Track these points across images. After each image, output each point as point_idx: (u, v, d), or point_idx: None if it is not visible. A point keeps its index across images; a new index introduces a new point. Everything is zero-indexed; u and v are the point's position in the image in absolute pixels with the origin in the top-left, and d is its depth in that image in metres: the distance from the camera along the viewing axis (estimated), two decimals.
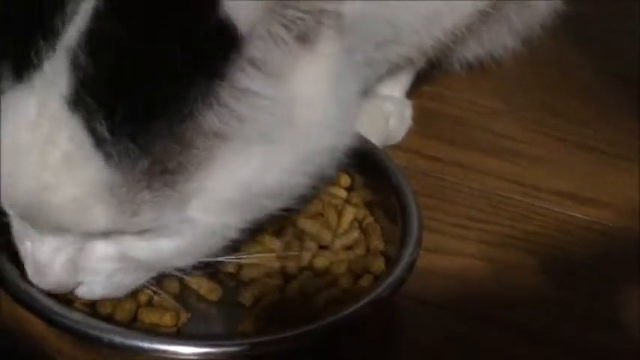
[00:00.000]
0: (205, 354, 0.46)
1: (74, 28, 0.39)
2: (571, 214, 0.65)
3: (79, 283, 0.46)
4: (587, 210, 0.66)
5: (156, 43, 0.39)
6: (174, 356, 0.46)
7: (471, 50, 0.77)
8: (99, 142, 0.39)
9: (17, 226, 0.46)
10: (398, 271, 0.50)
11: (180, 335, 0.49)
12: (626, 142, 0.74)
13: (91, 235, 0.44)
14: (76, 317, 0.46)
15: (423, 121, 0.71)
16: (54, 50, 0.39)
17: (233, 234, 0.46)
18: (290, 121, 0.43)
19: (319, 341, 0.48)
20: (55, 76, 0.39)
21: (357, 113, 0.49)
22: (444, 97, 0.75)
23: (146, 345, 0.45)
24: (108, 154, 0.39)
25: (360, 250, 0.55)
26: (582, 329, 0.56)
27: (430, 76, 0.76)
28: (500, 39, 0.77)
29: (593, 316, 0.57)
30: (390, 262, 0.52)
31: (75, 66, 0.39)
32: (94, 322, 0.46)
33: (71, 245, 0.44)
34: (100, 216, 0.41)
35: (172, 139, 0.40)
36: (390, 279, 0.50)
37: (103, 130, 0.39)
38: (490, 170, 0.68)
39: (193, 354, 0.45)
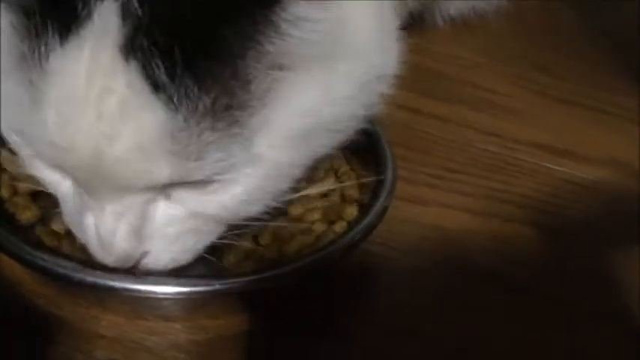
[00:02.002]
0: (177, 293, 0.46)
1: None
2: (549, 166, 0.65)
3: (145, 253, 0.45)
4: (565, 162, 0.66)
5: None
6: (148, 295, 0.46)
7: (455, 5, 0.77)
8: (157, 87, 0.38)
9: (74, 202, 0.44)
10: (370, 217, 0.51)
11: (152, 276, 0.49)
12: (606, 97, 0.74)
13: (152, 197, 0.43)
14: (46, 256, 0.46)
15: (403, 73, 0.71)
16: (102, 0, 0.38)
17: (298, 172, 0.46)
18: (343, 45, 0.43)
19: (290, 283, 0.49)
20: (106, 25, 0.38)
21: (399, 48, 0.50)
22: (425, 49, 0.74)
23: (117, 284, 0.45)
24: (167, 98, 0.38)
25: (335, 198, 0.55)
26: (562, 282, 0.56)
27: (412, 29, 0.75)
28: None
29: (575, 271, 0.57)
30: (363, 209, 0.53)
31: (127, 12, 0.38)
32: (66, 262, 0.46)
33: (132, 211, 0.43)
34: (164, 164, 0.40)
35: (234, 75, 0.40)
36: (363, 223, 0.51)
37: (160, 73, 0.38)
38: (468, 122, 0.68)
39: (165, 293, 0.46)
